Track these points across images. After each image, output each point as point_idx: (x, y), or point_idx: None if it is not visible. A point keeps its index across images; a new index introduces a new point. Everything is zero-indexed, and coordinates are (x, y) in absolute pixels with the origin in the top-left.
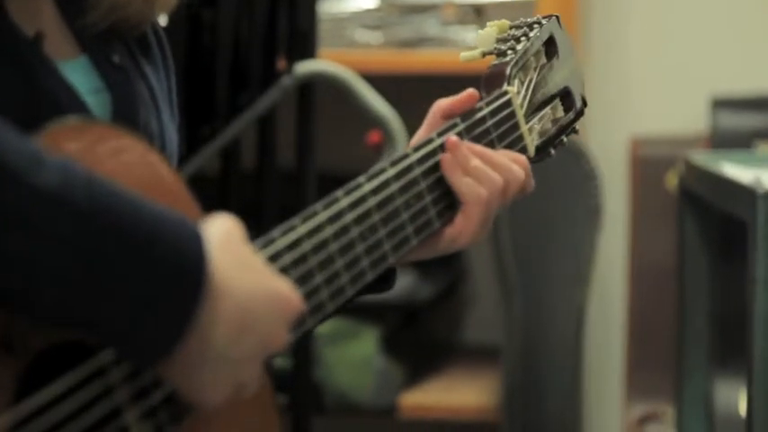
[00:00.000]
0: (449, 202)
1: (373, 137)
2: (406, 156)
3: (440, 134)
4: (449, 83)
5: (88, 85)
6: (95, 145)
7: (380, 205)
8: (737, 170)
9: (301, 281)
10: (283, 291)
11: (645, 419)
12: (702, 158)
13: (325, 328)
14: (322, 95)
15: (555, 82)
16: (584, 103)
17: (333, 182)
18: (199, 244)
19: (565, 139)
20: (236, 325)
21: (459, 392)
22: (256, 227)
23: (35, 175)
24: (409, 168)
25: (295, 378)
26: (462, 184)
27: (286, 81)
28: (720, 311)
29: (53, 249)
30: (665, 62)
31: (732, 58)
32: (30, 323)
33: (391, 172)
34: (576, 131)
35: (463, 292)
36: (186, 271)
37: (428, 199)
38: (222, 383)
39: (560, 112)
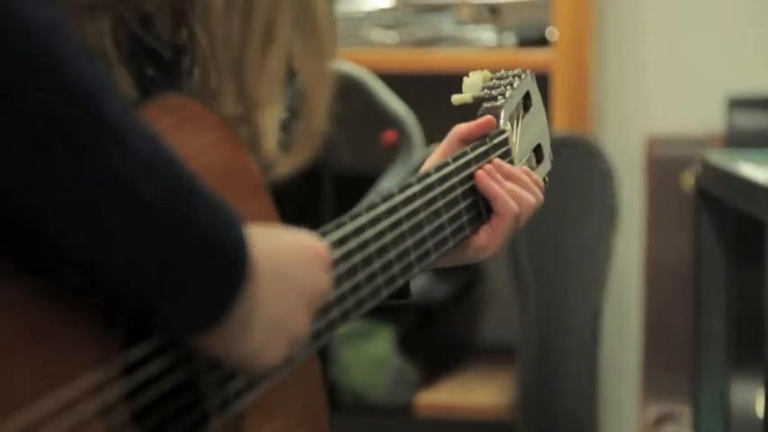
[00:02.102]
0: (460, 223)
1: (389, 136)
2: (428, 174)
3: (454, 159)
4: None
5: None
6: (185, 123)
7: (409, 216)
8: (754, 170)
9: (347, 275)
10: (303, 239)
11: (661, 420)
12: (719, 158)
13: (340, 328)
14: (337, 95)
15: (530, 135)
16: (551, 161)
17: (349, 181)
18: (240, 226)
19: None
20: (274, 283)
21: (475, 392)
22: None
23: (131, 140)
24: (431, 187)
25: None
26: (498, 195)
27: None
28: (737, 311)
29: (138, 213)
30: (681, 62)
31: (748, 57)
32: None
33: (417, 187)
34: (546, 182)
35: (479, 292)
36: (234, 252)
37: (445, 217)
38: (276, 342)
39: (534, 163)
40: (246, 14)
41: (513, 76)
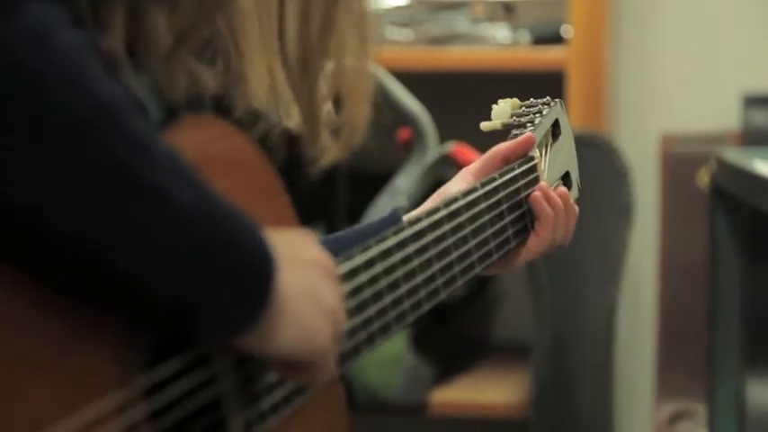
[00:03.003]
0: (488, 250)
1: (403, 134)
2: (455, 199)
3: (483, 185)
4: (479, 80)
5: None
6: (216, 140)
7: (436, 242)
8: None
9: (372, 300)
10: (294, 232)
11: (675, 418)
12: (734, 156)
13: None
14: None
15: (558, 163)
16: (579, 189)
17: (363, 178)
18: (257, 225)
19: None
20: (299, 270)
21: (489, 390)
22: None
23: (155, 152)
24: (457, 212)
25: None
26: (547, 219)
27: None
28: (752, 309)
29: (175, 221)
30: (696, 59)
31: (764, 55)
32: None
33: (444, 212)
34: None
35: (493, 290)
36: (261, 248)
37: (471, 243)
38: (317, 318)
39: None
40: (304, 13)
41: (543, 104)
